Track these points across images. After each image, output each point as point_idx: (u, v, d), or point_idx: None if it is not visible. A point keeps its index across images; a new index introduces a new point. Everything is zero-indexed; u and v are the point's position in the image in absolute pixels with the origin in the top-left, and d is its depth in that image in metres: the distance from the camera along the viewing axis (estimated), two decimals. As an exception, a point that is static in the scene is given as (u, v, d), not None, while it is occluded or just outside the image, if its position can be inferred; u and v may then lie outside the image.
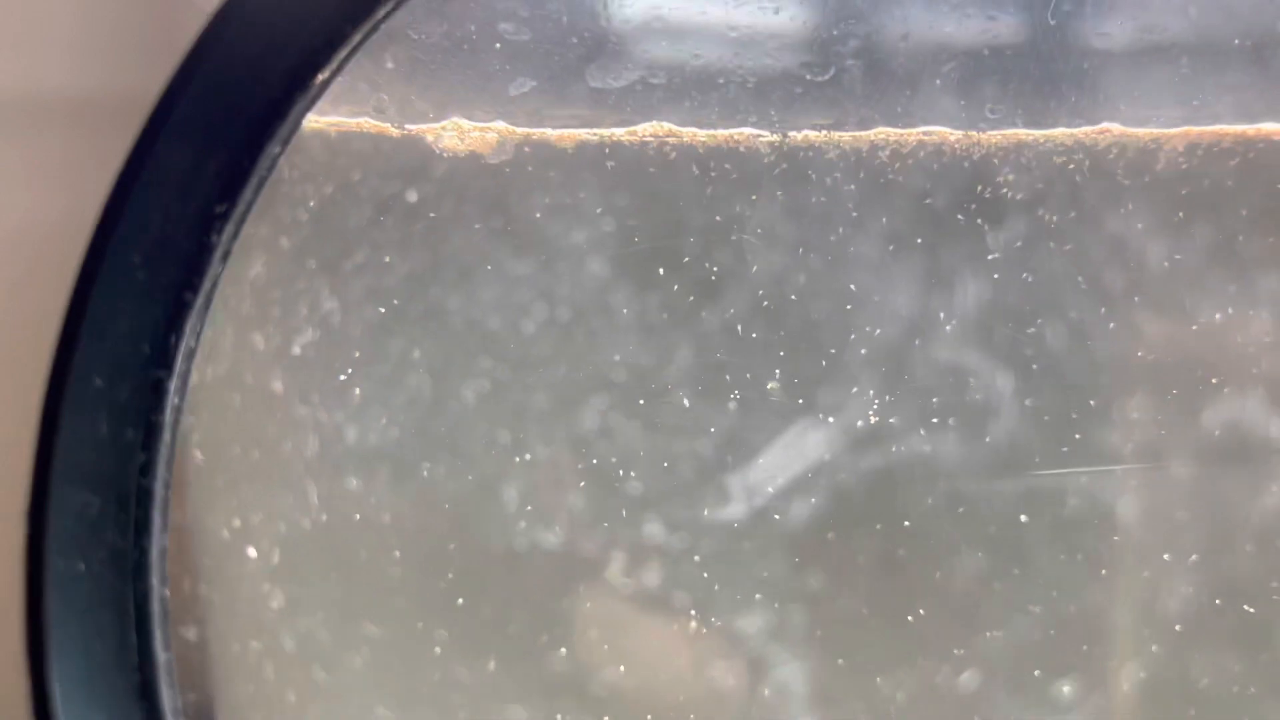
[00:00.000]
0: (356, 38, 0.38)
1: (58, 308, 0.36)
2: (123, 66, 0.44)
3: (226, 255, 0.37)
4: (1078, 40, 0.41)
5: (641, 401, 0.43)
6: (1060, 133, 0.42)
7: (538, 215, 0.43)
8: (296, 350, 0.44)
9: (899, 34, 0.42)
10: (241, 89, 0.37)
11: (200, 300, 0.37)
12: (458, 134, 0.43)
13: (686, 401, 0.43)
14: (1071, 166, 0.42)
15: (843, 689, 0.44)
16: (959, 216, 0.42)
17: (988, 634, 0.43)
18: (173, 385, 0.37)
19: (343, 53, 0.38)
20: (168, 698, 0.37)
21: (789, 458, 0.43)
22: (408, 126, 0.43)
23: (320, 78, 0.38)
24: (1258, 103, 0.42)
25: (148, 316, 0.37)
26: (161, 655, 0.37)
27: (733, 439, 0.43)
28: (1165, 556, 0.43)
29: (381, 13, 0.38)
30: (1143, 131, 0.42)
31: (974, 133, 0.42)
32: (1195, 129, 0.42)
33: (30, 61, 0.42)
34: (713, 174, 0.43)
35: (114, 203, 0.36)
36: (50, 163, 0.42)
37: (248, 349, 0.44)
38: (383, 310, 0.44)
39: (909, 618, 0.43)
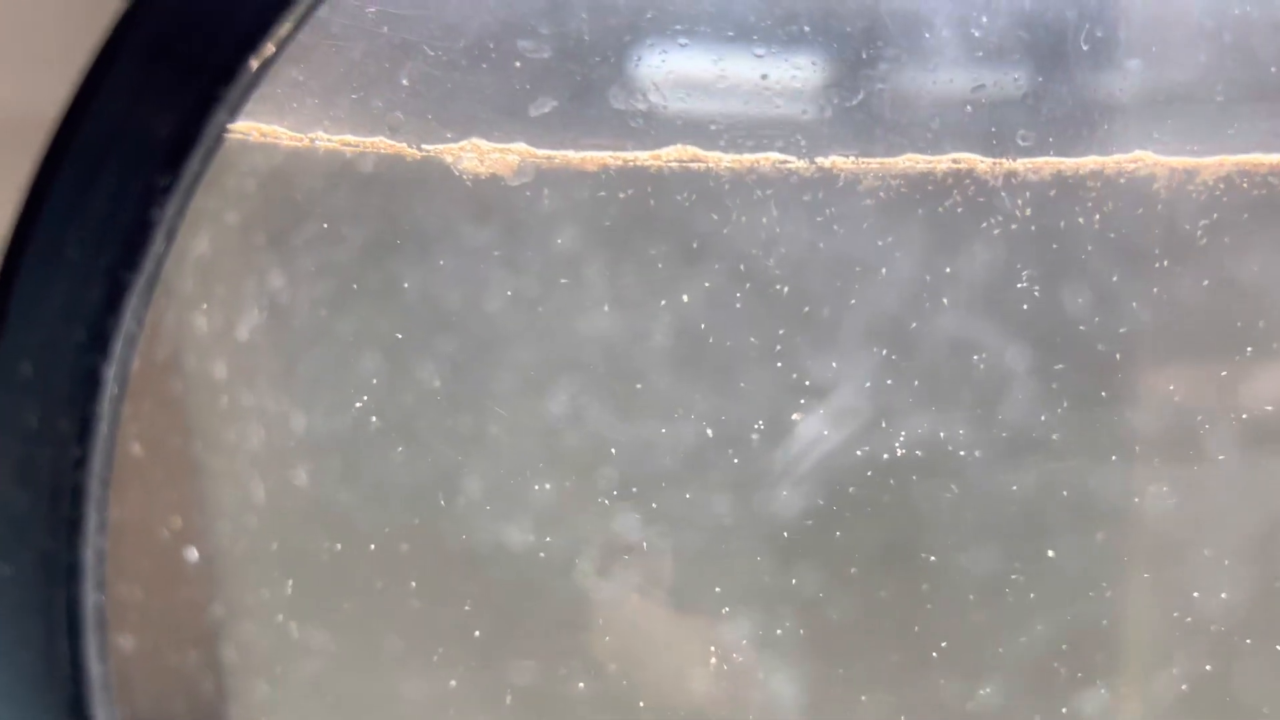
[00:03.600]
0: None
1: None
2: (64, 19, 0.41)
3: (171, 233, 0.34)
4: (1109, 68, 0.40)
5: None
6: (1092, 160, 0.40)
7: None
8: (243, 333, 0.41)
9: (929, 61, 0.41)
10: (187, 50, 0.34)
11: (141, 281, 0.34)
12: (477, 155, 0.42)
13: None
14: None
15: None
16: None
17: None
18: (110, 373, 0.34)
19: (296, 11, 0.35)
20: (101, 713, 0.34)
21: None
22: (425, 147, 0.42)
23: (273, 36, 0.35)
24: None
25: (83, 298, 0.34)
26: (95, 667, 0.34)
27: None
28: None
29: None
30: (1176, 160, 0.40)
31: (1005, 160, 0.41)
32: (1231, 158, 0.41)
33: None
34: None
35: (44, 173, 0.33)
36: None
37: (191, 332, 0.41)
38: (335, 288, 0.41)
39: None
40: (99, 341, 0.34)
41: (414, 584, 0.41)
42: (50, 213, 0.33)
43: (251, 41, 0.34)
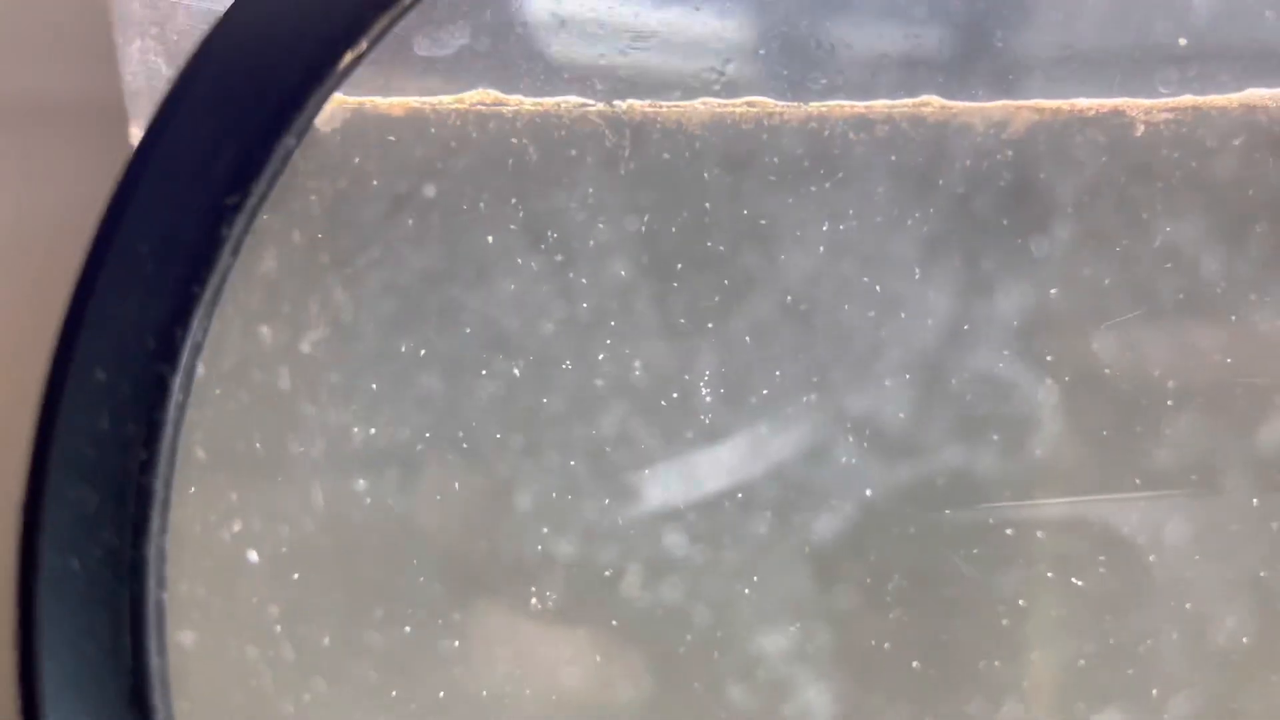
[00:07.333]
0: (378, 26, 0.37)
1: (61, 299, 0.35)
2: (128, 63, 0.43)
3: (237, 249, 0.36)
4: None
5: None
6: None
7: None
8: (305, 347, 0.43)
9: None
10: (257, 77, 0.36)
11: (208, 294, 0.36)
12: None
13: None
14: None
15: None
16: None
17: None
18: (177, 381, 0.36)
19: (363, 42, 0.37)
20: (159, 704, 0.35)
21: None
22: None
23: (338, 67, 0.37)
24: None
25: (153, 310, 0.35)
26: (154, 660, 0.35)
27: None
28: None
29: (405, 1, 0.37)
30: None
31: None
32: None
33: (24, 60, 0.41)
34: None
35: (122, 193, 0.35)
36: (55, 155, 0.41)
37: (255, 344, 0.43)
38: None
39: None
40: (167, 351, 0.35)
41: (464, 592, 0.42)
42: (126, 229, 0.35)
43: (316, 75, 0.36)
